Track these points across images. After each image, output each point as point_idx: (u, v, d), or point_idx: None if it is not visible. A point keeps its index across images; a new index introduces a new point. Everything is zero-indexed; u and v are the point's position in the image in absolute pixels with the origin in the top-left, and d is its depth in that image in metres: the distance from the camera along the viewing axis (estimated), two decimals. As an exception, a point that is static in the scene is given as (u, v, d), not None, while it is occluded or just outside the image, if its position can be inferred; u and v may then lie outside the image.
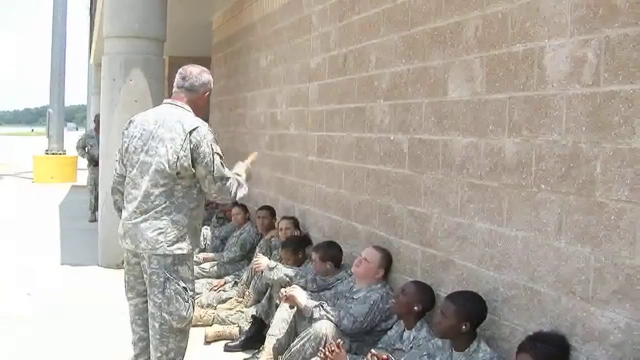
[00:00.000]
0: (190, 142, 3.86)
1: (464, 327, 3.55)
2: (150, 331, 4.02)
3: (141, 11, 8.28)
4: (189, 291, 3.99)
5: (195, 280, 6.86)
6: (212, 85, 4.26)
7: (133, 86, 8.19)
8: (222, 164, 4.00)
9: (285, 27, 7.59)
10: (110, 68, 8.39)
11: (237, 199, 4.23)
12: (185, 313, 3.97)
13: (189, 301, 3.99)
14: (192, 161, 3.86)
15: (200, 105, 4.21)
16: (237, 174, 4.28)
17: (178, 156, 3.83)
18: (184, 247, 3.92)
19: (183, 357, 4.09)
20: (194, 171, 3.89)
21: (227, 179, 4.03)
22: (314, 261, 5.34)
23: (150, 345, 4.04)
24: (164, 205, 3.88)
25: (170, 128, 3.91)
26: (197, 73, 4.14)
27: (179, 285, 3.93)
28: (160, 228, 3.87)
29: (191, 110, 4.08)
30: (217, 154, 3.96)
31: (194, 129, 3.89)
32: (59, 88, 22.15)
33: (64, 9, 22.59)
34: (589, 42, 3.08)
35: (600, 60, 3.02)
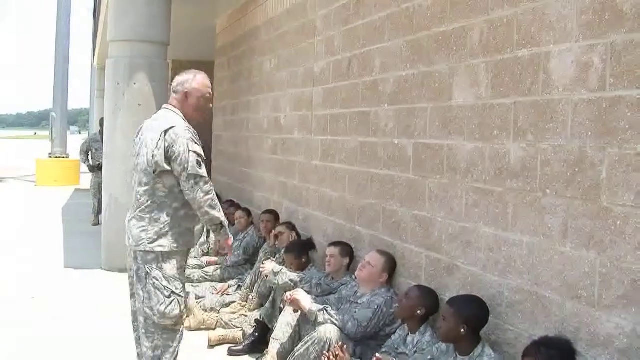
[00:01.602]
0: (165, 140, 4.02)
1: (462, 330, 3.55)
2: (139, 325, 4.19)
3: (145, 15, 8.31)
4: (173, 289, 4.07)
5: (199, 284, 6.95)
6: (192, 84, 4.23)
7: (137, 90, 8.21)
8: (198, 162, 4.04)
9: (289, 31, 7.60)
10: (114, 72, 8.42)
11: (207, 210, 4.10)
12: (164, 309, 4.05)
13: (173, 298, 4.06)
14: (167, 159, 4.01)
15: (189, 107, 4.23)
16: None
17: (153, 154, 4.02)
18: (165, 244, 4.05)
19: (173, 357, 4.13)
20: (168, 168, 4.02)
21: (202, 178, 4.04)
22: (331, 256, 5.32)
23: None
24: (147, 204, 4.08)
25: (154, 129, 4.11)
26: (179, 75, 4.32)
27: (158, 281, 4.05)
28: (142, 225, 4.06)
29: (179, 113, 4.20)
30: (194, 152, 4.03)
31: (169, 128, 4.04)
32: (62, 91, 22.22)
33: (67, 13, 22.65)
34: (594, 47, 3.08)
35: (606, 66, 3.02)
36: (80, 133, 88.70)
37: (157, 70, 8.44)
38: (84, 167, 18.30)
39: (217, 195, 4.26)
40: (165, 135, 4.03)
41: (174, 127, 4.05)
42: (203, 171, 4.06)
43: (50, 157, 21.31)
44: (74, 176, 20.62)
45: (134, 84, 8.21)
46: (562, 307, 3.26)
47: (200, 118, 4.31)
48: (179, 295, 4.10)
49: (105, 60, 8.86)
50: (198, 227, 4.29)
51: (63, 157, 21.16)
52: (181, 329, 4.18)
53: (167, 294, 4.05)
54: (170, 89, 4.36)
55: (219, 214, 4.15)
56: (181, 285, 4.14)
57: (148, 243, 4.04)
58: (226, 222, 4.25)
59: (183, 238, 4.12)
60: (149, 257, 4.06)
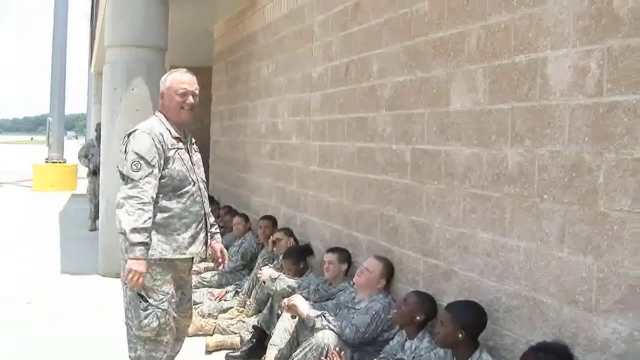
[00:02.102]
0: (125, 144, 3.99)
1: (460, 335, 3.56)
2: None
3: (142, 20, 8.31)
4: (151, 301, 3.95)
5: (196, 290, 6.93)
6: (165, 83, 4.15)
7: (134, 95, 8.21)
8: (134, 163, 3.84)
9: (287, 36, 7.61)
10: (111, 77, 8.42)
11: (118, 212, 3.83)
12: (139, 321, 3.95)
13: (150, 311, 3.95)
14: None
15: (167, 108, 4.13)
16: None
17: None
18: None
19: None
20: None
21: (131, 180, 3.83)
22: (330, 263, 5.31)
23: None
24: None
25: None
26: None
27: (133, 291, 3.95)
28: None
29: (160, 116, 4.13)
30: (136, 153, 3.86)
31: (133, 131, 4.01)
32: (59, 96, 22.22)
33: (64, 18, 22.68)
34: (591, 52, 3.09)
35: (603, 71, 3.03)
36: (77, 138, 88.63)
37: (154, 76, 8.39)
38: (80, 172, 18.32)
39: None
40: (127, 138, 4.01)
41: (136, 129, 4.00)
42: (136, 174, 3.82)
43: (47, 162, 21.30)
44: (71, 181, 20.60)
45: (132, 89, 8.21)
46: (559, 312, 3.26)
47: (185, 117, 4.11)
48: (158, 308, 3.96)
49: (103, 65, 8.87)
50: (185, 236, 4.09)
51: (60, 162, 21.14)
52: (165, 339, 4.05)
53: (143, 306, 3.95)
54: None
55: (129, 220, 3.74)
56: (162, 297, 3.97)
57: (121, 253, 3.96)
58: (136, 239, 3.76)
59: (161, 247, 3.96)
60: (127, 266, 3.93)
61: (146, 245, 3.81)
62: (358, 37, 5.61)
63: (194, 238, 4.08)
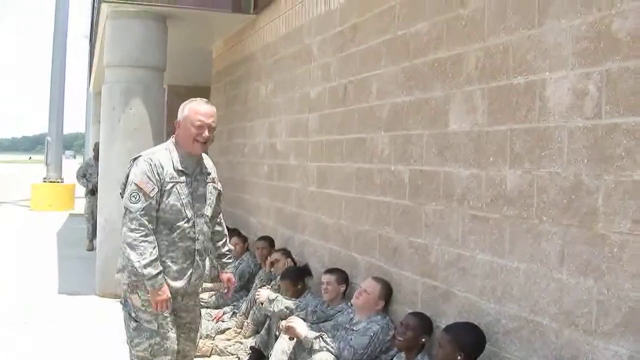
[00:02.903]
0: (129, 169, 4.00)
1: (459, 357, 3.54)
2: None
3: (141, 40, 8.35)
4: (140, 321, 3.95)
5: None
6: (183, 113, 4.06)
7: (133, 115, 8.23)
8: (133, 195, 3.86)
9: (285, 57, 7.63)
10: (110, 97, 8.43)
11: (124, 246, 3.87)
12: (131, 340, 3.97)
13: (139, 331, 3.94)
14: (125, 188, 3.98)
15: (180, 137, 4.06)
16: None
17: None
18: (124, 278, 3.97)
19: None
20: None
21: (130, 212, 3.85)
22: (328, 284, 5.28)
23: None
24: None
25: None
26: None
27: (126, 311, 4.01)
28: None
29: (172, 142, 4.10)
30: (135, 184, 3.87)
31: (136, 158, 4.01)
32: (58, 116, 22.25)
33: (64, 38, 22.74)
34: (590, 74, 3.10)
35: (601, 93, 3.03)
36: (75, 158, 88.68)
37: (153, 96, 8.46)
38: (78, 192, 18.28)
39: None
40: (132, 162, 4.02)
41: (140, 156, 3.99)
42: (134, 206, 3.83)
43: (45, 181, 21.28)
44: (69, 201, 20.58)
45: (130, 109, 8.23)
46: (559, 335, 3.24)
47: (198, 150, 4.06)
48: (150, 329, 3.93)
49: (101, 85, 8.89)
50: (170, 270, 4.05)
51: (58, 182, 21.12)
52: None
53: (133, 325, 3.96)
54: (166, 113, 4.28)
55: (137, 257, 3.80)
56: (150, 318, 3.93)
57: (117, 273, 4.03)
58: (150, 273, 3.81)
59: None
60: (124, 287, 4.01)
61: (160, 273, 3.88)
62: (356, 57, 5.62)
63: (179, 273, 4.02)
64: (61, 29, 22.66)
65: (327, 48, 6.31)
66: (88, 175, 12.59)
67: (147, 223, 3.85)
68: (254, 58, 9.10)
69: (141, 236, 3.82)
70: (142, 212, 3.84)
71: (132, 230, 3.82)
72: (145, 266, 3.80)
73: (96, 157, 12.56)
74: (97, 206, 12.22)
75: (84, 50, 31.61)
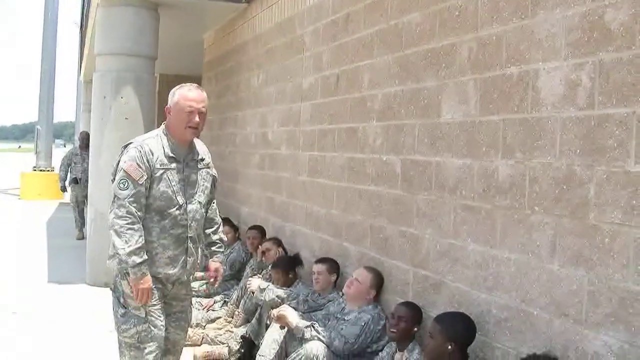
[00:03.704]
0: (119, 156, 3.98)
1: (449, 347, 3.54)
2: None
3: (133, 29, 8.30)
4: (126, 307, 3.94)
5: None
6: (173, 99, 4.02)
7: (124, 104, 8.20)
8: (122, 181, 3.84)
9: (277, 46, 7.61)
10: (101, 85, 8.39)
11: (111, 233, 3.85)
12: (119, 326, 3.96)
13: (127, 317, 3.93)
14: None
15: (172, 124, 4.03)
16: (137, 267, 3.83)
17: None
18: (114, 265, 3.95)
19: None
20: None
21: (118, 199, 3.83)
22: (319, 274, 5.29)
23: None
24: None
25: None
26: None
27: (116, 297, 3.99)
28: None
29: (163, 129, 4.06)
30: (124, 170, 3.85)
31: (127, 145, 3.99)
32: (48, 105, 22.15)
33: (54, 26, 22.61)
34: (583, 65, 3.10)
35: (594, 84, 3.03)
36: (65, 146, 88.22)
37: (144, 84, 8.42)
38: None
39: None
40: (123, 149, 4.00)
41: (131, 143, 3.98)
42: (122, 193, 3.82)
43: (35, 170, 21.19)
44: (58, 190, 20.44)
45: (121, 98, 8.19)
46: (549, 325, 3.26)
47: (190, 136, 4.04)
48: (135, 315, 3.91)
49: (92, 73, 8.84)
50: (161, 256, 4.03)
51: (48, 171, 21.03)
52: (150, 349, 3.94)
53: (121, 312, 3.95)
54: (157, 102, 4.25)
55: (123, 245, 3.78)
56: (138, 305, 3.90)
57: (107, 259, 4.01)
58: (134, 261, 3.79)
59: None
60: (114, 273, 4.02)
61: (145, 262, 3.85)
62: (349, 47, 5.61)
63: (171, 260, 4.00)
64: (51, 16, 22.52)
65: (319, 38, 6.29)
66: (72, 165, 12.61)
67: (134, 211, 3.83)
68: (245, 48, 9.07)
69: (127, 224, 3.80)
70: (131, 199, 3.82)
71: (119, 217, 3.81)
72: (129, 254, 3.78)
73: (82, 146, 12.59)
74: (81, 195, 12.32)
75: (74, 38, 31.48)
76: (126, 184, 3.83)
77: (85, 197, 12.48)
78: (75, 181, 12.62)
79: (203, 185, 4.18)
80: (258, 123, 8.30)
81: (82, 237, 11.91)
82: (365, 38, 5.31)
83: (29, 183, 20.33)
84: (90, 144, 8.83)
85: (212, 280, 4.46)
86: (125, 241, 3.79)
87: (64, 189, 13.18)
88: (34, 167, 21.45)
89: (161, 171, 3.93)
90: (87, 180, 12.32)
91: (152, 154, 3.91)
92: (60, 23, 23.32)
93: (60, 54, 24.41)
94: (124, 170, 3.85)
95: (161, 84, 14.61)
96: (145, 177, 3.86)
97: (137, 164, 3.86)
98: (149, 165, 3.89)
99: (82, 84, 26.32)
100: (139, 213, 3.85)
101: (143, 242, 3.85)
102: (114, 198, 3.86)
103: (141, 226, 3.86)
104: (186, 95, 4.01)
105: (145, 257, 3.85)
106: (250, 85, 8.78)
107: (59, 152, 29.43)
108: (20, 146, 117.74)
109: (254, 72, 8.58)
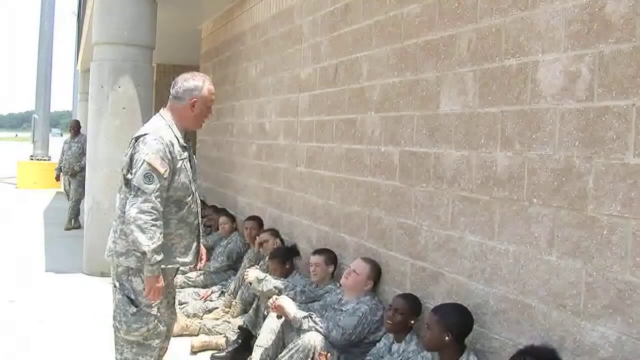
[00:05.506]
0: (134, 148, 3.80)
1: (446, 337, 3.55)
2: None
3: (130, 18, 8.28)
4: (138, 304, 3.85)
5: (182, 290, 6.90)
6: (201, 92, 3.95)
7: (121, 93, 8.18)
8: (146, 175, 3.68)
9: (275, 37, 7.59)
10: (98, 75, 8.37)
11: (133, 229, 3.67)
12: (128, 324, 3.87)
13: (139, 315, 3.86)
14: (131, 168, 3.77)
15: (189, 116, 3.95)
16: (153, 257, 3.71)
17: (124, 162, 3.85)
18: (131, 262, 3.82)
19: None
20: (130, 177, 3.75)
21: (143, 193, 3.66)
22: (316, 265, 5.29)
23: None
24: (119, 214, 3.88)
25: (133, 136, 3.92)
26: (184, 79, 3.98)
27: (124, 295, 3.86)
28: (114, 236, 3.89)
29: (169, 119, 3.93)
30: (148, 163, 3.68)
31: (141, 136, 3.81)
32: (45, 94, 22.08)
33: (51, 14, 22.53)
34: (583, 57, 3.10)
35: (594, 76, 3.03)
36: (62, 135, 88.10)
37: (142, 74, 8.39)
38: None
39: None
40: (135, 142, 3.81)
41: (146, 134, 3.79)
42: (148, 187, 3.66)
43: (32, 159, 21.16)
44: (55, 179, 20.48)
45: (119, 87, 8.17)
46: (547, 316, 3.27)
47: (199, 127, 4.12)
48: (148, 314, 3.88)
49: (89, 62, 8.81)
50: (177, 246, 3.98)
51: (44, 160, 21.00)
52: (154, 344, 3.96)
53: (133, 310, 3.86)
54: (155, 92, 4.21)
55: (147, 241, 3.63)
56: (151, 302, 3.86)
57: (116, 257, 3.86)
58: (155, 260, 3.68)
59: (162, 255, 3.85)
60: (120, 270, 3.87)
61: (162, 261, 3.76)
62: (347, 38, 5.60)
63: (186, 248, 3.97)
64: (49, 5, 22.44)
65: (318, 28, 6.27)
66: (62, 153, 12.68)
67: (159, 206, 3.70)
68: (243, 38, 9.05)
69: (152, 219, 3.66)
70: (157, 194, 3.69)
71: (143, 212, 3.64)
72: (153, 251, 3.64)
73: (72, 137, 12.61)
74: (70, 185, 12.35)
75: (72, 26, 31.37)
76: (152, 177, 3.68)
77: (69, 185, 12.51)
78: (60, 170, 12.67)
79: (198, 169, 4.19)
80: (256, 113, 8.29)
81: (69, 227, 11.93)
82: (364, 29, 5.30)
83: (26, 172, 20.30)
84: (87, 133, 8.81)
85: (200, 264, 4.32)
86: (150, 237, 3.64)
87: (57, 178, 13.16)
88: (31, 156, 21.41)
89: (180, 162, 3.86)
90: (70, 168, 12.37)
91: (172, 146, 3.82)
92: (57, 12, 23.19)
93: (58, 43, 24.30)
94: (148, 163, 3.68)
95: (159, 74, 14.58)
96: (168, 171, 3.76)
97: (161, 156, 3.74)
98: (171, 158, 3.79)
99: (80, 73, 26.25)
100: (161, 209, 3.74)
101: (162, 239, 3.74)
102: (137, 192, 3.67)
103: (162, 223, 3.74)
104: (211, 89, 4.01)
105: (162, 255, 3.76)
106: (248, 75, 8.76)
107: (56, 141, 29.40)
108: (17, 135, 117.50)
109: (252, 62, 8.56)
